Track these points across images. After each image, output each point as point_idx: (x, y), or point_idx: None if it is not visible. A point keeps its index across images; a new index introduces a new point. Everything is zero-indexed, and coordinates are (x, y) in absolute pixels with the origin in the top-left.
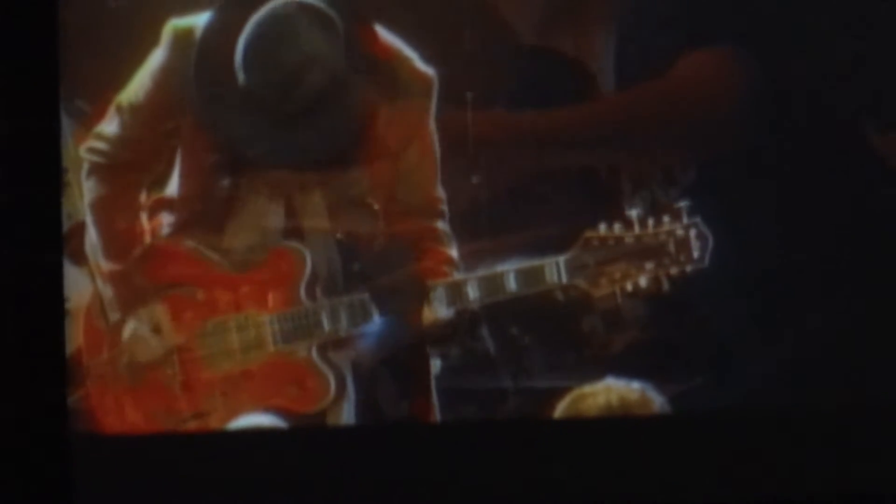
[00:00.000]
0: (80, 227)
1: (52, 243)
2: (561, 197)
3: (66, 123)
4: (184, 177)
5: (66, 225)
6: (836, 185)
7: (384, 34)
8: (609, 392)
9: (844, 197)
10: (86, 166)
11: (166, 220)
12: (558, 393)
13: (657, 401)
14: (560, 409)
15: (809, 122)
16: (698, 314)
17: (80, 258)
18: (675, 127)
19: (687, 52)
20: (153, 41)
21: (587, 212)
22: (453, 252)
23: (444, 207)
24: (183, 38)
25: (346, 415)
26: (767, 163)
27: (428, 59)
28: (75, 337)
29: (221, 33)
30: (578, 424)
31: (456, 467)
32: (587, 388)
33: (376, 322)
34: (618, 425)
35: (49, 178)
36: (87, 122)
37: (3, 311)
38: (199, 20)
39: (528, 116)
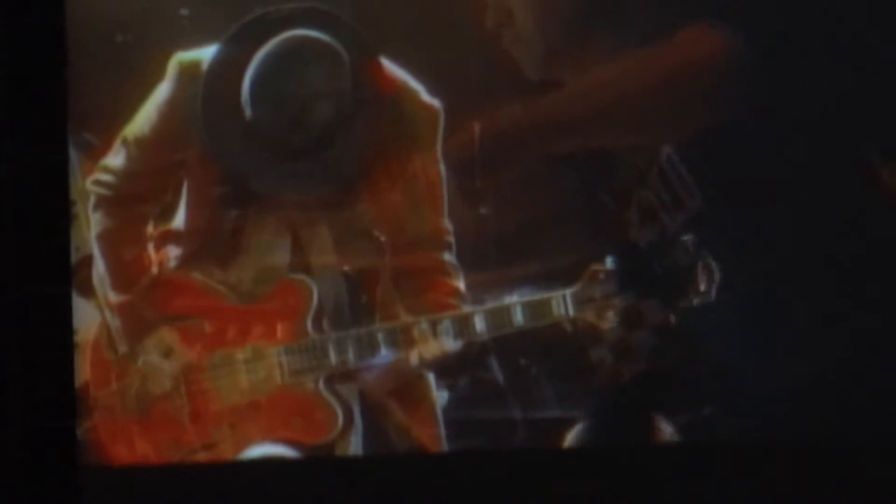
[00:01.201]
0: (88, 260)
1: (60, 276)
2: (569, 227)
3: (74, 156)
4: (190, 209)
5: (75, 257)
6: (840, 216)
7: (390, 67)
8: None
9: (848, 228)
10: (92, 199)
11: (173, 252)
12: (567, 423)
13: (668, 430)
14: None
15: (814, 155)
16: (706, 345)
17: (88, 290)
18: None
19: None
20: (159, 75)
21: (595, 243)
22: (460, 284)
23: (451, 239)
24: (189, 72)
25: (354, 446)
26: (771, 192)
27: (434, 91)
28: (83, 369)
29: (228, 67)
30: (587, 454)
31: (464, 498)
32: None
33: (383, 354)
34: (627, 455)
35: (57, 210)
36: (95, 154)
37: (13, 343)
38: (205, 53)
39: (519, 107)
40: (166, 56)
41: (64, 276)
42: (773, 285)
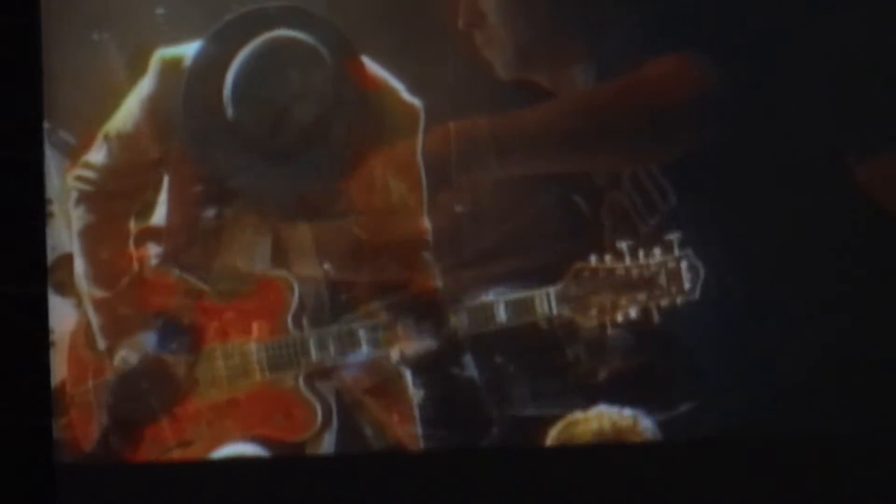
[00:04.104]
0: (65, 259)
1: (36, 275)
2: (545, 228)
3: (51, 155)
4: (171, 206)
5: (51, 256)
6: (816, 215)
7: (371, 65)
8: (601, 418)
9: (826, 227)
10: (74, 195)
11: (153, 249)
12: (543, 421)
13: (649, 428)
14: (552, 435)
15: (791, 154)
16: (681, 343)
17: (64, 289)
18: (640, 126)
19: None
20: (136, 74)
21: (571, 244)
22: (439, 282)
23: (430, 238)
24: (171, 68)
25: (327, 444)
26: (746, 192)
27: (414, 90)
28: (60, 367)
29: (210, 67)
30: (563, 452)
31: (440, 496)
32: (580, 415)
33: (363, 351)
34: (603, 453)
35: (33, 209)
36: (72, 153)
37: None
38: (187, 50)
39: (495, 120)
40: (143, 55)
41: (40, 276)
42: (751, 284)
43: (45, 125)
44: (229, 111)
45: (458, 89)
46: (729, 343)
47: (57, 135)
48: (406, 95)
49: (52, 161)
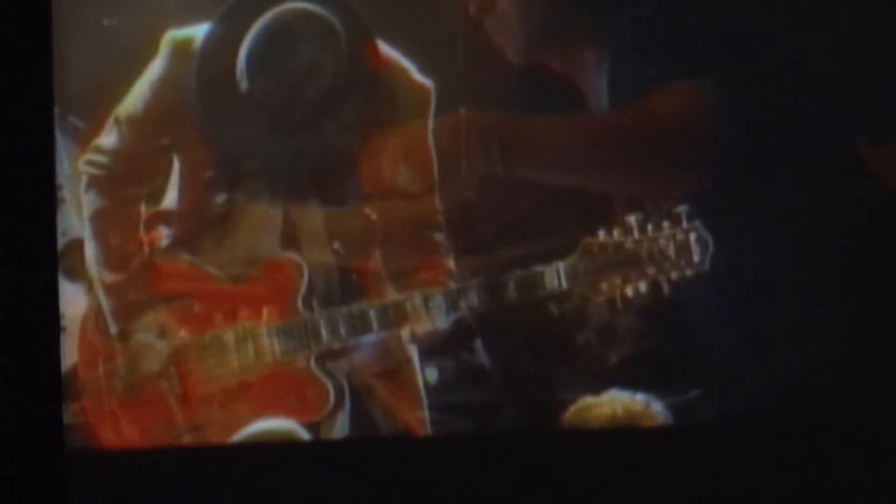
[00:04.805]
0: (75, 244)
1: (47, 260)
2: (554, 212)
3: (61, 140)
4: (182, 190)
5: (62, 242)
6: (829, 200)
7: (383, 46)
8: (614, 403)
9: (839, 211)
10: (85, 179)
11: (164, 232)
12: (553, 406)
13: (661, 412)
14: (565, 419)
15: (800, 138)
16: (691, 328)
17: (75, 275)
18: (654, 151)
19: (669, 81)
20: (146, 58)
21: (580, 222)
22: (451, 263)
23: (441, 219)
24: (182, 49)
25: (341, 426)
26: (760, 181)
27: (425, 71)
28: (71, 352)
29: (223, 41)
30: (572, 437)
31: (449, 481)
32: (591, 399)
33: (374, 333)
34: (612, 437)
35: (44, 194)
36: (82, 139)
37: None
38: (198, 31)
39: (505, 123)
40: (153, 39)
41: (50, 261)
42: (762, 271)
43: (56, 111)
44: (242, 85)
45: (465, 74)
46: (739, 328)
47: (67, 120)
48: (417, 76)
49: (63, 147)
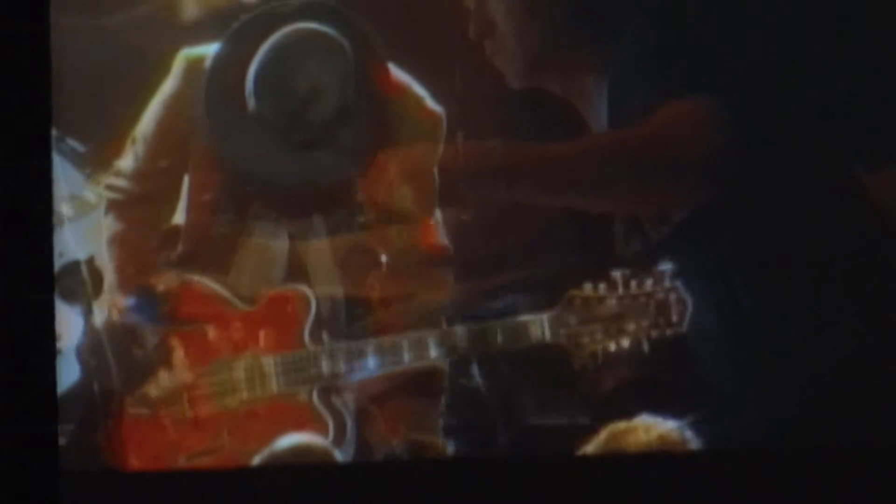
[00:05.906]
0: (72, 266)
1: (43, 282)
2: (553, 237)
3: (59, 162)
4: (190, 209)
5: (58, 263)
6: (827, 228)
7: (395, 71)
8: (648, 430)
9: (835, 240)
10: (105, 203)
11: (174, 253)
12: (549, 431)
13: (692, 439)
14: (597, 445)
15: (797, 165)
16: (689, 354)
17: (72, 296)
18: (653, 171)
19: (669, 101)
20: (147, 81)
21: (580, 254)
22: (444, 294)
23: (440, 244)
24: (195, 68)
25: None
26: (757, 205)
27: (438, 98)
28: (66, 374)
29: (233, 59)
30: (569, 462)
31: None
32: (622, 424)
33: (371, 366)
34: (608, 463)
35: (41, 216)
36: (80, 161)
37: None
38: (211, 49)
39: (508, 149)
40: (154, 62)
41: (47, 283)
42: (760, 294)
43: (53, 132)
44: (251, 103)
45: (464, 98)
46: (739, 355)
47: (65, 142)
48: (430, 103)
49: (60, 168)
